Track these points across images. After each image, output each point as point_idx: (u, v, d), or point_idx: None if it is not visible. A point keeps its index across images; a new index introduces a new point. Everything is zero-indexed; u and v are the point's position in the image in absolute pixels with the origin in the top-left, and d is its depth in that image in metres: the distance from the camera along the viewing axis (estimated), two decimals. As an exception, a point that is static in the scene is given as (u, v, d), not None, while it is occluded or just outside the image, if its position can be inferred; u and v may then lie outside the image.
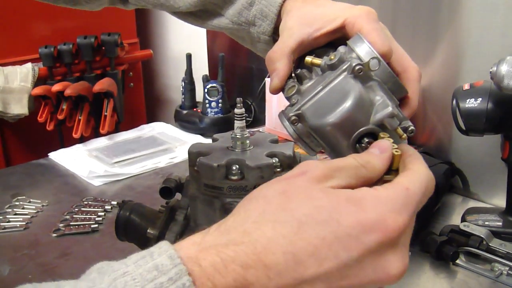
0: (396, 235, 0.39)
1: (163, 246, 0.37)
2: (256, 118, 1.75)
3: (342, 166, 0.44)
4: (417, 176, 0.44)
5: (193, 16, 0.79)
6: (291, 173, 0.44)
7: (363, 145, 0.51)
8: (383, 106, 0.52)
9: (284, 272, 0.37)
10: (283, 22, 0.66)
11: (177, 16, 0.82)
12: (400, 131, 0.53)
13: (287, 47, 0.61)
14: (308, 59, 0.59)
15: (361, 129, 0.51)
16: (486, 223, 1.05)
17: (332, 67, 0.55)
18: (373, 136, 0.52)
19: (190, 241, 0.38)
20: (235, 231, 0.39)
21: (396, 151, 0.48)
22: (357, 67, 0.52)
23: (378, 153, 0.46)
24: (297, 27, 0.63)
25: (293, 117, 0.54)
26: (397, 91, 0.56)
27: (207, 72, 1.82)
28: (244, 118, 0.74)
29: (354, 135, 0.52)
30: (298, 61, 0.63)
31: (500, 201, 1.13)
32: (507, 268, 0.93)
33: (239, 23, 0.73)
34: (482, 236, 0.98)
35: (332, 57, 0.56)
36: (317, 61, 0.58)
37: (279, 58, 0.61)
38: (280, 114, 0.58)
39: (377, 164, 0.45)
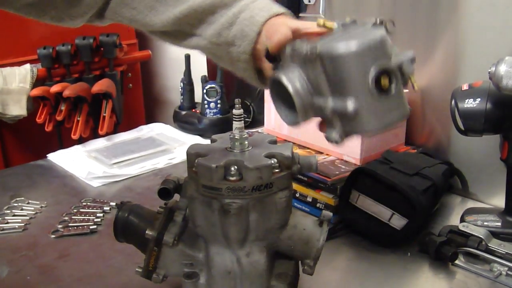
0: None
1: None
2: (255, 119, 1.75)
3: None
4: None
5: (170, 36, 0.79)
6: None
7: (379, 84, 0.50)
8: (404, 52, 0.53)
9: None
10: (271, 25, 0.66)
11: (154, 35, 0.81)
12: (413, 78, 0.54)
13: (287, 23, 0.63)
14: (321, 20, 0.61)
15: (381, 63, 0.50)
16: (485, 223, 1.05)
17: (346, 26, 0.57)
18: (389, 75, 0.51)
19: None
20: None
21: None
22: (378, 20, 0.54)
23: None
24: (291, 21, 0.65)
25: (310, 50, 0.52)
26: None
27: (205, 73, 1.82)
28: (242, 119, 0.74)
29: (372, 68, 0.50)
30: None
31: (499, 202, 1.13)
32: (506, 269, 0.93)
33: (218, 43, 0.73)
34: (481, 236, 0.98)
35: (347, 19, 0.58)
36: (330, 23, 0.60)
37: (281, 25, 0.63)
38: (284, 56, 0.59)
39: None
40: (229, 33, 0.72)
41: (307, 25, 0.66)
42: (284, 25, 0.63)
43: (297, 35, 0.63)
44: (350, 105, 0.50)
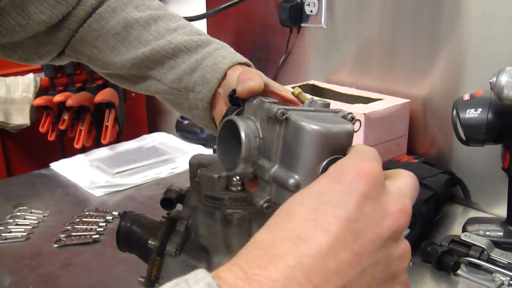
0: (374, 175, 0.39)
1: (199, 273, 0.35)
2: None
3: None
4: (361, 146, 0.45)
5: (128, 80, 0.78)
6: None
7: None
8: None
9: (300, 255, 0.35)
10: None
11: (112, 79, 0.81)
12: None
13: (262, 76, 0.62)
14: (296, 91, 0.60)
15: (338, 156, 0.48)
16: (487, 233, 1.05)
17: (318, 105, 0.56)
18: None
19: (228, 270, 0.36)
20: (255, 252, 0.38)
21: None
22: (349, 116, 0.52)
23: None
24: (263, 75, 0.64)
25: (281, 111, 0.50)
26: None
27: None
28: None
29: (328, 159, 0.49)
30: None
31: (501, 211, 1.13)
32: (508, 279, 0.93)
33: (178, 88, 0.73)
34: (483, 246, 0.98)
35: (321, 100, 0.57)
36: (304, 96, 0.59)
37: (257, 75, 0.61)
38: (245, 108, 0.58)
39: None
40: (190, 78, 0.71)
41: (276, 85, 0.65)
42: (259, 75, 0.61)
43: (266, 91, 0.62)
44: (293, 180, 0.49)
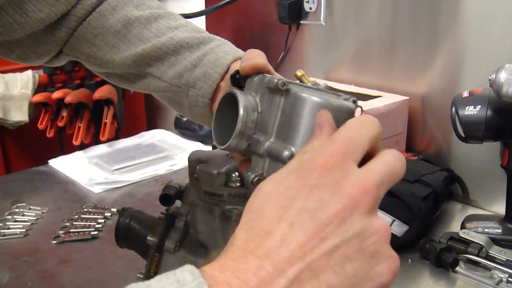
0: (330, 163, 0.41)
1: (185, 266, 0.39)
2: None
3: (288, 167, 0.44)
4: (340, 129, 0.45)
5: (127, 79, 0.78)
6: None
7: None
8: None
9: (267, 247, 0.39)
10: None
11: (110, 78, 0.80)
12: None
13: (264, 56, 0.63)
14: (299, 72, 0.60)
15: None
16: (486, 230, 1.05)
17: (320, 87, 0.56)
18: None
19: (208, 265, 0.40)
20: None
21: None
22: (351, 99, 0.53)
23: (318, 132, 0.46)
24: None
25: (282, 81, 0.51)
26: None
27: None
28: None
29: None
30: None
31: (500, 208, 1.13)
32: (506, 275, 0.93)
33: (179, 85, 0.73)
34: (482, 243, 0.98)
35: (322, 83, 0.58)
36: (306, 78, 0.60)
37: (262, 56, 0.62)
38: (247, 84, 0.58)
39: (318, 144, 0.45)
40: (192, 74, 0.71)
41: (277, 74, 0.64)
42: (263, 57, 0.62)
43: (264, 70, 0.62)
44: (287, 152, 0.49)
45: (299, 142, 0.49)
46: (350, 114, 0.50)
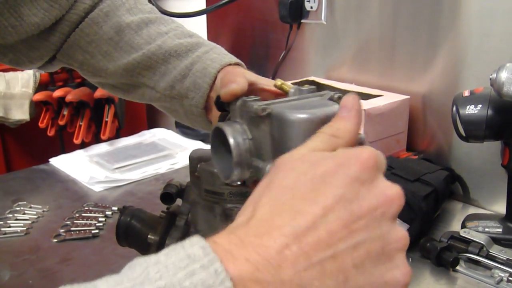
0: (371, 162, 0.41)
1: (194, 238, 0.37)
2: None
3: (311, 145, 0.44)
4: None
5: (122, 89, 0.78)
6: (270, 171, 0.44)
7: None
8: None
9: (296, 226, 0.38)
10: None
11: (105, 89, 0.81)
12: None
13: (245, 75, 0.62)
14: (278, 82, 0.59)
15: None
16: (486, 229, 1.05)
17: (303, 92, 0.55)
18: None
19: (224, 237, 0.39)
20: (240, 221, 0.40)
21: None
22: (336, 95, 0.52)
23: (346, 113, 0.46)
24: (249, 73, 0.64)
25: (262, 107, 0.49)
26: None
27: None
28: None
29: None
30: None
31: (500, 208, 1.13)
32: (507, 275, 0.93)
33: (172, 96, 0.73)
34: (482, 242, 0.98)
35: (305, 86, 0.56)
36: (287, 86, 0.58)
37: (239, 76, 0.60)
38: (231, 112, 0.56)
39: (347, 126, 0.45)
40: (182, 85, 0.72)
41: (264, 81, 0.64)
42: (242, 76, 0.60)
43: (252, 89, 0.62)
44: None
45: None
46: None
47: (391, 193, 0.41)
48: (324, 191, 0.39)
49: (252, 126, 0.53)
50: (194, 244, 0.36)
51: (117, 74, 0.75)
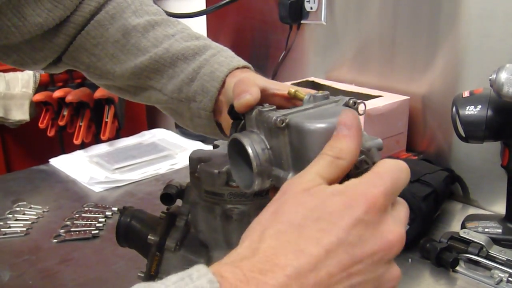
0: (379, 203, 0.42)
1: (201, 269, 0.38)
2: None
3: (317, 170, 0.45)
4: (383, 162, 0.46)
5: (129, 92, 0.78)
6: (276, 196, 0.45)
7: None
8: (372, 138, 0.51)
9: (299, 267, 0.39)
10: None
11: (112, 91, 0.81)
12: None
13: (256, 82, 0.61)
14: (292, 89, 0.59)
15: None
16: (486, 230, 1.05)
17: (318, 99, 0.55)
18: None
19: (230, 270, 0.40)
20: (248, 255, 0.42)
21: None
22: (351, 101, 0.52)
23: (346, 132, 0.46)
24: (260, 79, 0.64)
25: (280, 119, 0.50)
26: None
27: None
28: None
29: None
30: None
31: (500, 208, 1.13)
32: (507, 275, 0.93)
33: (180, 99, 0.73)
34: (482, 243, 0.99)
35: (320, 92, 0.56)
36: (301, 93, 0.58)
37: (252, 85, 0.59)
38: (247, 122, 0.56)
39: (349, 145, 0.46)
40: (190, 89, 0.71)
41: (274, 86, 0.64)
42: (254, 85, 0.59)
43: (265, 95, 0.61)
44: None
45: None
46: None
47: (393, 237, 0.42)
48: (329, 233, 0.40)
49: (270, 136, 0.53)
50: (202, 276, 0.38)
51: (124, 77, 0.75)
